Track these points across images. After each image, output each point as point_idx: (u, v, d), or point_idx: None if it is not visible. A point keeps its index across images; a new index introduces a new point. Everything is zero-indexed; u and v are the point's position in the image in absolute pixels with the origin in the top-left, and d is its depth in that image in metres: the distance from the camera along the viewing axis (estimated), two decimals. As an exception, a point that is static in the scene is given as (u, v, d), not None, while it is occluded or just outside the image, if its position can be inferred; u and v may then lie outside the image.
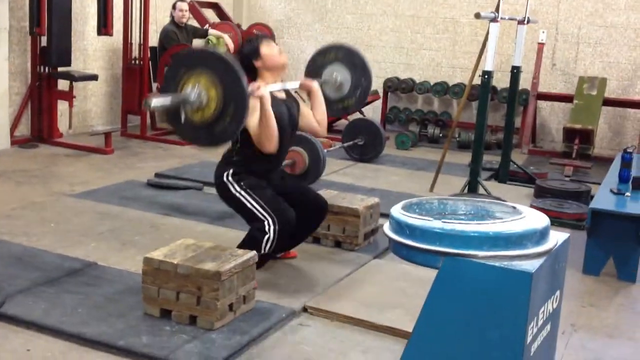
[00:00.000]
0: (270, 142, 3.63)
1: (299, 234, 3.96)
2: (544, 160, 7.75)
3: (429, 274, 2.31)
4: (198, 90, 3.21)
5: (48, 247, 4.14)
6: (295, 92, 4.09)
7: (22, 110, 7.04)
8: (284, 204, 3.75)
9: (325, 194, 4.63)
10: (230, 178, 3.76)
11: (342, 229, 4.38)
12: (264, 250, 3.66)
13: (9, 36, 6.74)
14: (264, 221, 3.67)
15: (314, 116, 4.03)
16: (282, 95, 3.90)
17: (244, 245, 3.70)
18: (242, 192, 3.74)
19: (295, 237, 3.96)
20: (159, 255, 3.26)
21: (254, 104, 3.51)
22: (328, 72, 4.41)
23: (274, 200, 3.74)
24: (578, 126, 7.57)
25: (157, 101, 3.14)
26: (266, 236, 3.65)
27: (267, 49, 3.80)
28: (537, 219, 2.33)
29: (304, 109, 4.04)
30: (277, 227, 3.65)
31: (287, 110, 3.84)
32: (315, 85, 4.04)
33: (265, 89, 3.59)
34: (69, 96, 7.03)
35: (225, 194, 3.83)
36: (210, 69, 3.22)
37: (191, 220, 4.83)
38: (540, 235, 2.26)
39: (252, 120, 3.60)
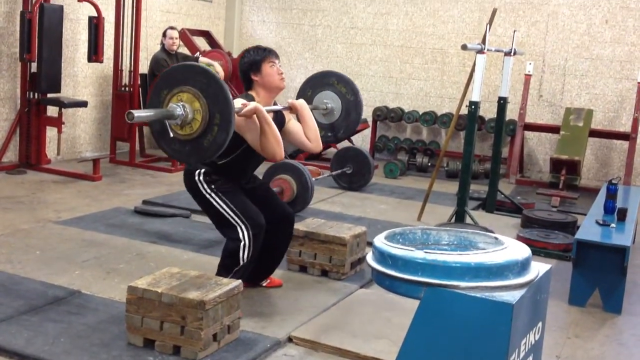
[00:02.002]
0: (281, 148, 3.59)
1: (269, 250, 3.91)
2: (531, 190, 7.79)
3: (415, 304, 2.31)
4: (182, 105, 3.22)
5: (32, 274, 4.11)
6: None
7: (11, 136, 7.03)
8: (255, 208, 3.73)
9: (312, 222, 4.64)
10: (201, 177, 3.70)
11: (328, 257, 4.38)
12: (243, 260, 3.65)
13: (-1, 62, 6.78)
14: (236, 227, 3.65)
15: (304, 133, 3.93)
16: (271, 113, 3.84)
17: (224, 261, 3.71)
18: (213, 195, 3.70)
19: (267, 253, 3.91)
20: (143, 284, 3.24)
21: (249, 122, 3.53)
22: (322, 95, 4.47)
23: (244, 206, 3.71)
24: (565, 157, 7.62)
25: (140, 114, 3.15)
26: (241, 244, 3.64)
27: (269, 68, 3.76)
28: (518, 250, 2.35)
29: (293, 125, 3.94)
30: (250, 233, 3.64)
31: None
32: (299, 102, 3.97)
33: (260, 107, 3.54)
34: (58, 122, 7.03)
35: (194, 192, 3.77)
36: (190, 83, 3.23)
37: (177, 249, 4.81)
38: (522, 266, 2.27)
39: (252, 137, 3.58)
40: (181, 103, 3.22)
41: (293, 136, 3.93)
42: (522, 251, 2.35)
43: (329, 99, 4.51)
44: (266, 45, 4.09)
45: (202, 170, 3.71)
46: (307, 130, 3.91)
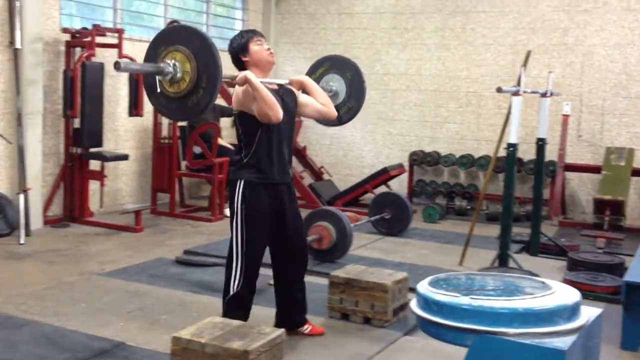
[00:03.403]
0: (273, 110, 3.66)
1: (285, 285, 4.10)
2: (575, 232, 7.64)
3: (462, 352, 2.27)
4: (173, 63, 3.39)
5: (78, 327, 4.15)
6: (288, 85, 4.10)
7: (55, 191, 7.19)
8: (258, 255, 3.89)
9: (353, 269, 4.62)
10: (240, 191, 3.84)
11: (370, 304, 4.34)
12: (233, 289, 3.85)
13: (43, 119, 6.96)
14: (233, 255, 3.84)
15: (317, 101, 4.07)
16: (274, 86, 3.92)
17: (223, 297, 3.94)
18: (239, 214, 3.84)
19: (285, 288, 4.10)
20: (186, 335, 3.24)
21: (246, 91, 3.69)
22: (328, 78, 4.53)
23: (252, 245, 3.85)
24: (608, 197, 7.49)
25: (127, 65, 3.32)
26: (232, 271, 3.85)
27: (256, 46, 3.86)
28: (567, 294, 2.30)
29: (304, 98, 4.08)
30: (241, 268, 3.83)
31: (279, 98, 3.84)
32: (303, 77, 4.14)
33: (250, 74, 3.67)
34: (100, 176, 7.18)
35: (230, 199, 3.93)
36: (185, 44, 3.40)
37: (219, 298, 4.79)
38: (572, 311, 2.22)
39: (253, 105, 3.71)
40: (173, 61, 3.40)
41: (308, 108, 4.09)
42: (571, 295, 2.30)
43: (334, 82, 4.54)
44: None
45: (242, 182, 3.85)
46: (318, 98, 4.08)
